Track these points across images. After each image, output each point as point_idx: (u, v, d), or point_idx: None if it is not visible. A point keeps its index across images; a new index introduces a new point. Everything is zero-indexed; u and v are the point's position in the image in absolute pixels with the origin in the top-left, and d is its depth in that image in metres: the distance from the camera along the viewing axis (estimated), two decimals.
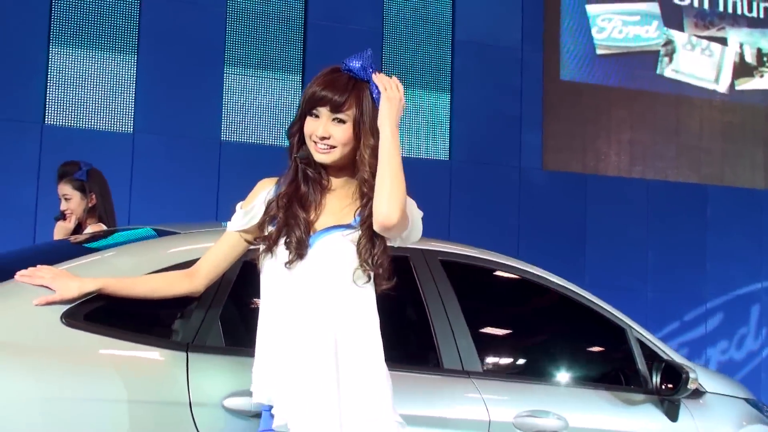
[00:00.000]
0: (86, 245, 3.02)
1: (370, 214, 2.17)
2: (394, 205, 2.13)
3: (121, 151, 6.91)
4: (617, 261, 8.57)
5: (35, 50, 6.96)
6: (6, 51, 6.84)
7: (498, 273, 3.37)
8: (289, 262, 2.17)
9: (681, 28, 9.43)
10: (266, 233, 2.24)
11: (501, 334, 3.52)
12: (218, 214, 6.86)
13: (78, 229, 4.15)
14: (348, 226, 2.22)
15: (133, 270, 2.42)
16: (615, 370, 3.50)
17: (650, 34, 9.26)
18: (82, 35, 7.14)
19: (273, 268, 2.22)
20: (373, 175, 2.17)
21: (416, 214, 2.30)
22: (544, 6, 8.76)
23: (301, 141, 2.27)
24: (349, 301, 2.19)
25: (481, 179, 8.22)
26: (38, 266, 2.29)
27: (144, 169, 6.98)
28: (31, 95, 6.93)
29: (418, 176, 8.00)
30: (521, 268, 3.38)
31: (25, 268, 2.29)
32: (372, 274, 2.20)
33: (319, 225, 2.23)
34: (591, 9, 9.01)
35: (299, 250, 2.17)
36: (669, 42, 9.32)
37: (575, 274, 7.34)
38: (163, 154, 7.07)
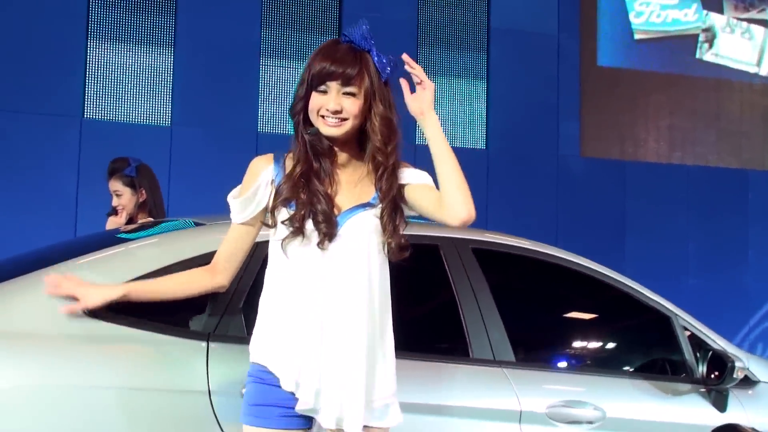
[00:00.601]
0: (123, 236, 3.05)
1: (391, 187, 2.21)
2: (468, 202, 2.22)
3: (159, 143, 6.96)
4: (657, 248, 8.47)
5: (73, 45, 7.04)
6: (45, 46, 6.92)
7: (533, 260, 3.28)
8: (321, 243, 2.15)
9: (720, 11, 9.28)
10: (283, 216, 2.18)
11: (536, 323, 3.46)
12: None
13: (129, 224, 4.20)
14: (370, 204, 2.22)
15: (156, 260, 2.46)
16: (660, 359, 3.40)
17: (689, 17, 9.12)
18: (119, 29, 7.20)
19: (303, 251, 2.18)
20: (386, 143, 2.20)
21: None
22: None
23: (306, 118, 2.23)
24: (379, 275, 2.23)
25: (519, 168, 8.16)
26: (66, 275, 2.30)
27: (182, 162, 7.03)
28: (70, 90, 7.01)
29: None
30: (557, 255, 3.30)
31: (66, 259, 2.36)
32: (394, 244, 2.21)
33: (341, 204, 2.22)
34: None
35: (329, 228, 2.15)
36: (708, 25, 9.18)
37: (615, 262, 7.25)
38: (201, 146, 7.12)
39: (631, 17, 8.91)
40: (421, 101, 2.26)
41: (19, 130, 6.80)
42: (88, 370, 2.22)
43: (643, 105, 8.85)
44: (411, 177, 2.29)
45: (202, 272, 2.33)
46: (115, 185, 4.27)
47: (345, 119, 2.20)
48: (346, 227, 2.19)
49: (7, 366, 2.16)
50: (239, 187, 2.27)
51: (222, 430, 2.29)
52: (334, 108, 2.18)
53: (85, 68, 7.07)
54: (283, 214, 2.19)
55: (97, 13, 7.15)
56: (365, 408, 2.16)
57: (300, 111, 2.22)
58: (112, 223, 4.24)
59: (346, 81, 2.18)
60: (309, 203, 2.15)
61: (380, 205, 2.22)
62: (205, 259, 2.40)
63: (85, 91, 7.07)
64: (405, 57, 2.27)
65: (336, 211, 2.20)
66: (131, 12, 7.23)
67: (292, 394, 2.15)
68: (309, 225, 2.15)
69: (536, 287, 3.52)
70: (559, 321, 3.54)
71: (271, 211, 2.22)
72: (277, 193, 2.20)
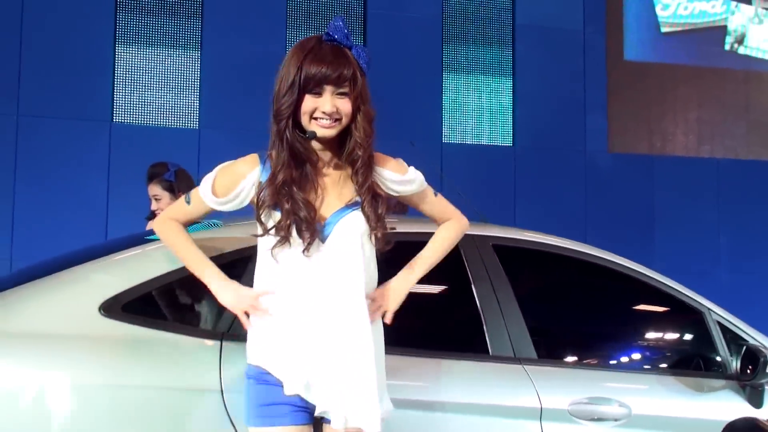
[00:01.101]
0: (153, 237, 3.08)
1: (366, 178, 2.23)
2: (461, 236, 2.55)
3: (187, 146, 7.01)
4: (688, 243, 8.40)
5: (102, 51, 7.12)
6: (75, 53, 7.01)
7: (555, 256, 3.24)
8: (306, 249, 2.18)
9: (748, 1, 9.17)
10: (270, 224, 2.20)
11: (559, 319, 3.42)
12: None
13: None
14: (356, 204, 2.25)
15: (169, 262, 2.47)
16: (692, 355, 3.34)
17: (716, 9, 9.03)
18: (146, 35, 7.27)
19: (291, 256, 2.20)
20: (366, 137, 2.22)
21: (421, 176, 2.40)
22: None
23: (294, 121, 2.21)
24: (370, 270, 2.28)
25: (546, 164, 8.13)
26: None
27: (210, 164, 7.05)
28: (99, 95, 7.10)
29: (482, 163, 8.02)
30: (581, 250, 3.25)
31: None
32: (380, 234, 2.24)
33: (327, 208, 2.24)
34: None
35: (311, 234, 2.17)
36: (736, 16, 9.08)
37: (644, 257, 7.20)
38: (229, 148, 7.13)
39: (658, 10, 8.84)
40: (398, 297, 2.37)
41: (51, 135, 6.89)
42: (100, 369, 2.26)
43: (671, 98, 8.78)
44: (411, 186, 2.37)
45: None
46: (155, 189, 4.33)
47: (338, 119, 2.21)
48: (338, 228, 2.22)
49: (32, 365, 2.23)
50: (214, 181, 2.28)
51: (234, 427, 2.31)
52: (331, 110, 2.19)
53: (114, 73, 7.14)
54: (270, 222, 2.21)
55: (125, 20, 7.22)
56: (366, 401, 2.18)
57: (289, 115, 2.20)
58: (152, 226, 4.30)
59: (340, 82, 2.19)
60: (292, 212, 2.16)
61: (363, 203, 2.24)
62: (227, 258, 2.46)
63: (113, 96, 7.14)
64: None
65: (324, 214, 2.22)
66: (158, 17, 7.30)
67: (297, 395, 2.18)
68: (293, 232, 2.18)
69: (559, 283, 3.48)
70: (584, 317, 3.49)
71: (257, 218, 2.23)
72: (261, 201, 2.21)
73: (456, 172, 6.84)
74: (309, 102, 2.19)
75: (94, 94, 7.08)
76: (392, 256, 2.35)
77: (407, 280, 2.38)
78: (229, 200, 2.27)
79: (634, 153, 8.55)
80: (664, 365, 3.32)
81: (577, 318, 3.47)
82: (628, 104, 8.60)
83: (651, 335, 3.55)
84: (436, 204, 2.47)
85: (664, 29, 8.87)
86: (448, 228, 2.50)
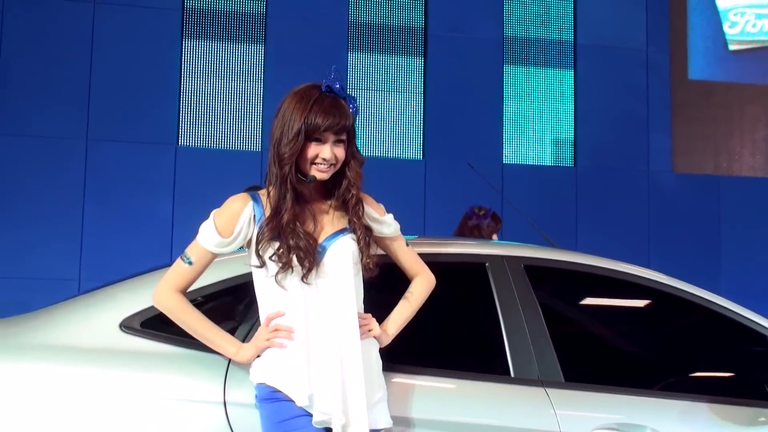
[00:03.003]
0: None
1: (360, 214, 2.45)
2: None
3: (250, 169, 7.11)
4: (755, 266, 8.21)
5: (168, 77, 7.31)
6: (141, 78, 7.20)
7: (592, 276, 3.13)
8: (305, 276, 2.35)
9: None
10: (269, 253, 2.36)
11: (593, 341, 3.32)
12: None
13: None
14: (347, 230, 2.45)
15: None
16: (757, 382, 3.12)
17: None
18: (211, 59, 7.44)
19: (292, 282, 2.37)
20: (357, 179, 2.44)
21: (396, 224, 2.59)
22: (669, 3, 8.52)
23: (295, 165, 2.38)
24: (359, 290, 2.45)
25: (608, 185, 8.05)
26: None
27: None
28: (165, 119, 7.27)
29: (543, 184, 7.97)
30: (620, 270, 3.13)
31: None
32: (372, 264, 2.44)
33: (323, 233, 2.43)
34: (721, 3, 8.69)
35: (311, 263, 2.35)
36: None
37: (710, 280, 7.08)
38: None
39: (726, 27, 8.70)
40: (380, 337, 2.50)
41: (118, 158, 7.08)
42: (118, 382, 2.44)
43: (738, 117, 8.62)
44: (386, 228, 2.55)
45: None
46: None
47: (333, 165, 2.40)
48: (331, 251, 2.41)
49: (53, 374, 2.42)
50: (215, 223, 2.40)
51: None
52: (330, 157, 2.38)
53: (179, 98, 7.32)
54: (269, 251, 2.37)
55: (190, 46, 7.40)
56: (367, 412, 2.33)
57: (293, 161, 2.37)
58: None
59: (339, 131, 2.39)
60: (296, 248, 2.34)
61: (356, 232, 2.44)
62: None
63: (179, 120, 7.31)
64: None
65: (319, 240, 2.41)
66: (222, 43, 7.46)
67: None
68: (294, 260, 2.35)
69: (595, 304, 3.39)
70: (622, 339, 3.39)
71: (256, 252, 2.38)
72: (261, 236, 2.37)
73: (516, 193, 6.83)
74: (312, 149, 2.38)
75: (160, 119, 7.25)
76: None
77: (386, 337, 2.52)
78: (233, 239, 2.40)
79: (699, 173, 8.41)
80: (721, 393, 3.10)
81: (613, 339, 3.38)
82: (693, 124, 8.47)
83: (703, 360, 3.38)
84: (408, 255, 2.62)
85: (732, 47, 8.72)
86: (418, 283, 2.62)
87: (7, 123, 6.97)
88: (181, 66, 7.36)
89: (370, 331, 2.44)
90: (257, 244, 2.37)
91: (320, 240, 2.41)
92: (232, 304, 2.73)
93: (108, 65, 7.17)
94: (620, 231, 7.87)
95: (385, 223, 2.54)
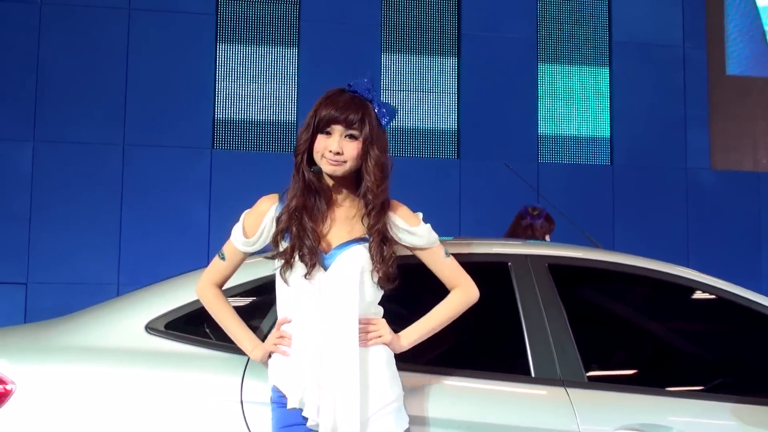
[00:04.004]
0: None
1: (378, 221, 2.43)
2: (470, 303, 2.62)
3: (285, 171, 7.13)
4: None
5: (203, 82, 7.37)
6: (177, 84, 7.27)
7: (619, 274, 3.09)
8: (308, 273, 2.38)
9: None
10: (281, 248, 2.42)
11: (619, 340, 3.25)
12: None
13: None
14: (363, 239, 2.44)
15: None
16: None
17: None
18: (245, 64, 7.49)
19: (295, 280, 2.41)
20: (378, 184, 2.42)
21: (434, 235, 2.55)
22: None
23: (309, 157, 2.43)
24: (369, 301, 2.45)
25: (646, 183, 7.97)
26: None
27: None
28: (201, 123, 7.32)
29: (579, 183, 7.89)
30: (649, 267, 3.05)
31: None
32: (382, 273, 2.42)
33: (334, 239, 2.44)
34: None
35: (312, 260, 2.38)
36: None
37: (750, 279, 6.99)
38: None
39: (764, 22, 8.57)
40: (391, 344, 2.48)
41: (155, 163, 7.14)
42: (143, 381, 2.55)
43: None
44: (418, 240, 2.52)
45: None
46: None
47: (344, 161, 2.41)
48: (339, 260, 2.41)
49: (81, 373, 2.55)
50: (243, 223, 2.49)
51: None
52: (336, 149, 2.39)
53: (214, 102, 7.37)
54: (281, 246, 2.43)
55: (224, 51, 7.45)
56: (361, 421, 2.34)
57: (304, 151, 2.43)
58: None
59: (348, 125, 2.40)
60: (298, 238, 2.39)
61: (369, 238, 2.43)
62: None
63: (214, 124, 7.36)
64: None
65: (328, 245, 2.43)
66: (256, 47, 7.50)
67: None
68: (296, 256, 2.39)
69: (621, 302, 3.35)
70: (650, 339, 3.33)
71: (274, 241, 2.45)
72: (279, 223, 2.44)
73: (552, 192, 6.78)
74: (320, 141, 2.42)
75: (195, 123, 7.31)
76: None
77: (399, 346, 2.50)
78: (256, 238, 2.48)
79: (738, 170, 8.29)
80: (748, 394, 2.98)
81: (640, 339, 3.32)
82: (731, 120, 8.36)
83: (735, 359, 3.29)
84: (446, 266, 2.59)
85: None
86: (453, 296, 2.59)
87: (45, 130, 7.07)
88: (215, 70, 7.42)
89: (380, 337, 2.44)
90: (275, 234, 2.44)
91: (332, 245, 2.43)
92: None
93: (143, 71, 7.24)
94: (658, 230, 7.79)
95: (416, 235, 2.52)
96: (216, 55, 7.43)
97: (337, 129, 2.41)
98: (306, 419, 2.34)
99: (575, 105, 8.06)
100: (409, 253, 2.56)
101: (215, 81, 7.41)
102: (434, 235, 2.55)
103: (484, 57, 7.83)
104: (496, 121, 7.75)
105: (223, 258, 2.54)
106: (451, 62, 7.88)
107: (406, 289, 2.53)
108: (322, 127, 2.41)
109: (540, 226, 5.07)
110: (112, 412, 2.49)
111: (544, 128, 7.97)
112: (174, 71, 7.29)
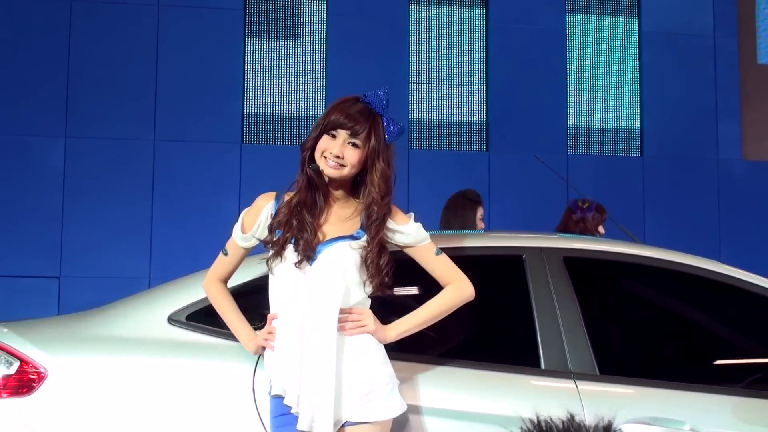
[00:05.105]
0: None
1: (378, 232, 2.51)
2: (464, 301, 2.65)
3: None
4: None
5: (232, 78, 7.42)
6: (206, 80, 7.33)
7: (638, 267, 3.06)
8: (299, 263, 2.48)
9: None
10: (273, 239, 2.52)
11: (635, 334, 3.26)
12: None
13: None
14: (352, 237, 2.52)
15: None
16: None
17: None
18: (273, 60, 7.53)
19: (283, 269, 2.51)
20: (382, 196, 2.52)
21: (423, 233, 2.61)
22: None
23: (313, 155, 2.53)
24: (354, 295, 2.52)
25: (676, 174, 7.90)
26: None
27: None
28: (230, 118, 7.37)
29: (609, 175, 7.85)
30: (667, 258, 3.03)
31: None
32: (378, 282, 2.50)
33: (327, 233, 2.53)
34: None
35: (307, 252, 2.47)
36: None
37: None
38: None
39: None
40: (376, 334, 2.53)
41: (185, 157, 7.20)
42: (165, 369, 2.69)
43: None
44: (405, 238, 2.58)
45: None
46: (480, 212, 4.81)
47: (344, 165, 2.50)
48: (325, 253, 2.49)
49: (108, 362, 2.70)
50: (242, 220, 2.61)
51: (263, 424, 2.59)
52: (337, 153, 2.49)
53: (243, 97, 7.41)
54: (274, 236, 2.54)
55: (252, 47, 7.50)
56: (336, 410, 2.42)
57: (309, 148, 2.54)
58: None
59: (354, 133, 2.50)
60: (298, 229, 2.48)
61: (368, 247, 2.51)
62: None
63: (243, 118, 7.40)
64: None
65: (319, 239, 2.51)
66: (284, 44, 7.54)
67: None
68: (289, 248, 2.48)
69: (638, 295, 3.34)
70: (662, 329, 3.32)
71: (268, 228, 2.55)
72: (275, 216, 2.54)
73: (582, 185, 6.74)
74: (324, 141, 2.52)
75: (225, 118, 7.36)
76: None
77: (384, 336, 2.55)
78: (253, 233, 2.58)
79: None
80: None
81: (653, 330, 3.31)
82: (763, 109, 8.26)
83: (756, 352, 3.25)
84: (438, 264, 2.63)
85: None
86: (446, 292, 2.63)
87: (77, 126, 7.15)
88: (244, 65, 7.46)
89: (363, 326, 2.50)
90: (271, 227, 2.54)
91: (322, 241, 2.51)
92: None
93: (173, 67, 7.29)
94: (690, 221, 7.72)
95: (404, 233, 2.58)
96: (244, 49, 7.47)
97: (342, 134, 2.50)
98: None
99: (605, 96, 8.01)
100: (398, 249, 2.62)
101: (244, 75, 7.45)
102: (423, 233, 2.61)
103: (513, 48, 7.80)
104: (525, 114, 7.72)
105: (226, 254, 2.67)
106: (479, 53, 7.86)
107: (408, 284, 2.63)
108: (329, 129, 2.51)
109: (592, 218, 5.05)
110: (134, 397, 2.63)
111: (573, 120, 7.92)
112: (203, 66, 7.33)
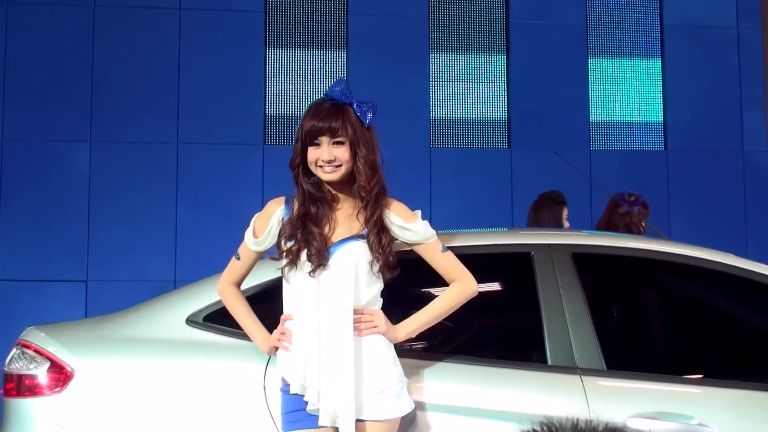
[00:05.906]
0: None
1: (373, 213, 2.58)
2: (468, 298, 2.70)
3: None
4: None
5: (254, 81, 7.47)
6: (228, 83, 7.38)
7: (648, 262, 3.06)
8: (313, 271, 2.54)
9: None
10: (285, 248, 2.58)
11: (643, 330, 3.26)
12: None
13: None
14: (361, 236, 2.59)
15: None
16: None
17: None
18: (295, 64, 7.59)
19: (298, 278, 2.58)
20: (369, 180, 2.57)
21: (429, 231, 2.66)
22: None
23: (305, 169, 2.59)
24: (366, 292, 2.58)
25: (701, 168, 7.84)
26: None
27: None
28: (252, 121, 7.42)
29: (632, 170, 7.80)
30: (677, 252, 3.03)
31: None
32: (382, 262, 2.56)
33: (335, 237, 2.59)
34: None
35: (320, 260, 2.54)
36: None
37: None
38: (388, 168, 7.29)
39: None
40: (387, 334, 2.60)
41: (209, 160, 7.25)
42: (182, 367, 2.82)
43: None
44: (413, 236, 2.64)
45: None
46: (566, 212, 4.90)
47: (339, 166, 2.56)
48: (336, 256, 2.56)
49: (129, 361, 2.84)
50: (253, 225, 2.68)
51: (273, 420, 2.68)
52: (328, 158, 2.55)
53: (265, 100, 7.45)
54: (286, 246, 2.59)
55: (274, 51, 7.55)
56: (357, 406, 2.50)
57: (299, 164, 2.60)
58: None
59: (333, 133, 2.55)
60: (305, 241, 2.55)
61: (369, 236, 2.58)
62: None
63: (265, 121, 7.44)
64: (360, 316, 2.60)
65: (330, 242, 2.58)
66: (305, 48, 7.60)
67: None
68: (303, 256, 2.55)
69: (647, 289, 3.34)
70: (677, 327, 3.32)
71: (278, 244, 2.62)
72: (282, 230, 2.61)
73: (606, 180, 6.71)
74: (311, 153, 2.57)
75: (247, 120, 7.40)
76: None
77: (395, 336, 2.62)
78: (264, 238, 2.65)
79: None
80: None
81: (664, 326, 3.30)
82: None
83: (757, 349, 3.24)
84: (443, 261, 2.69)
85: None
86: (451, 289, 2.69)
87: (102, 130, 7.22)
88: (266, 68, 7.50)
89: (375, 327, 2.57)
90: (279, 237, 2.61)
91: (333, 242, 2.58)
92: None
93: (195, 70, 7.35)
94: (716, 215, 7.66)
95: (411, 230, 2.63)
96: (265, 52, 7.51)
97: (324, 139, 2.55)
98: (307, 404, 2.51)
99: (627, 90, 7.96)
100: (407, 248, 2.67)
101: (266, 78, 7.49)
102: (430, 231, 2.66)
103: (534, 45, 7.78)
104: (546, 110, 7.70)
105: (238, 258, 2.74)
106: (500, 51, 7.84)
107: (414, 283, 2.67)
108: (309, 140, 2.56)
109: (638, 213, 5.03)
110: (154, 394, 2.76)
111: (595, 115, 7.89)
112: (225, 69, 7.38)
